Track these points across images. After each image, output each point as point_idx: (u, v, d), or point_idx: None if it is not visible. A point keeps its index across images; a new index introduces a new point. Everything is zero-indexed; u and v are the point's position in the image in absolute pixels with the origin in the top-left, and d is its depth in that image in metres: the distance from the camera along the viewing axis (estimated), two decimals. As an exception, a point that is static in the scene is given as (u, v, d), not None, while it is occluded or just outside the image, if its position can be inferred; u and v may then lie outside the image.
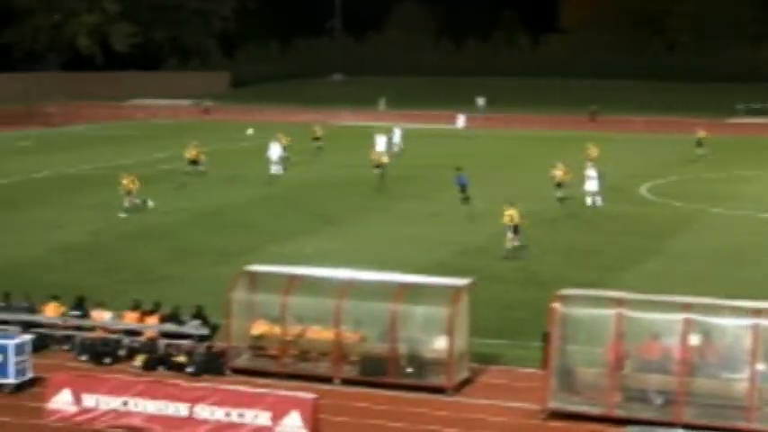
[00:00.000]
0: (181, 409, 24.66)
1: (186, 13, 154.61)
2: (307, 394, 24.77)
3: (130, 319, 30.40)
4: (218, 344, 29.41)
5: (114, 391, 25.15)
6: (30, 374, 27.29)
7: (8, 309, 31.39)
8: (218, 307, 30.37)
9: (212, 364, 28.69)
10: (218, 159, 69.80)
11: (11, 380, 26.81)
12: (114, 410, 25.00)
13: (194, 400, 24.62)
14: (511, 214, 42.65)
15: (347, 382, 27.86)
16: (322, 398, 25.20)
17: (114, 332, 30.21)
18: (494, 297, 35.23)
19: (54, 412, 25.25)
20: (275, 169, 64.68)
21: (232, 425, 24.30)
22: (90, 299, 31.90)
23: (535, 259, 42.45)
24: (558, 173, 55.47)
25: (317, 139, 76.16)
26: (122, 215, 50.48)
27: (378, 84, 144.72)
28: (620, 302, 26.47)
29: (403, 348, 27.99)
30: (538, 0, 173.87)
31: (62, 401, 25.28)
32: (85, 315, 30.80)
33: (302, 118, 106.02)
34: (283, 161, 65.91)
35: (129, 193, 51.29)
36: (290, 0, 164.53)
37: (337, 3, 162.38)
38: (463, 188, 54.05)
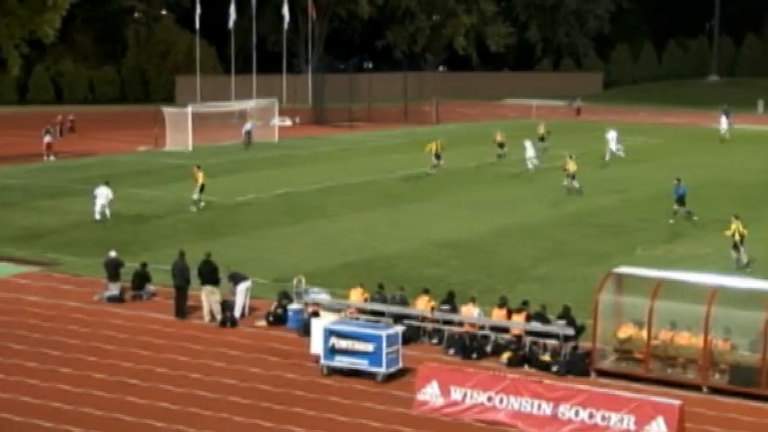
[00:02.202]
0: (545, 408, 24.78)
1: (564, 14, 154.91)
2: (673, 400, 24.34)
3: (497, 316, 30.85)
4: (584, 345, 29.40)
5: (480, 385, 25.52)
6: (400, 365, 28.15)
7: (382, 300, 32.61)
8: (585, 308, 30.37)
9: (577, 365, 28.70)
10: (588, 160, 69.51)
11: (382, 369, 27.73)
12: (480, 405, 25.38)
13: (558, 400, 24.65)
14: (734, 229, 40.09)
15: (715, 390, 27.18)
16: (688, 405, 24.70)
17: (482, 328, 30.80)
18: None
19: (422, 403, 25.92)
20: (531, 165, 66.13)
21: (596, 427, 24.15)
22: (461, 294, 32.62)
23: None
24: None
25: (500, 145, 72.88)
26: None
27: (756, 86, 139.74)
28: None
29: (775, 359, 27.04)
30: None
31: (430, 393, 25.90)
32: (454, 310, 31.52)
33: (673, 120, 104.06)
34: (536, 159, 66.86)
35: None
36: (666, 0, 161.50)
37: (717, 3, 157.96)
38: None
